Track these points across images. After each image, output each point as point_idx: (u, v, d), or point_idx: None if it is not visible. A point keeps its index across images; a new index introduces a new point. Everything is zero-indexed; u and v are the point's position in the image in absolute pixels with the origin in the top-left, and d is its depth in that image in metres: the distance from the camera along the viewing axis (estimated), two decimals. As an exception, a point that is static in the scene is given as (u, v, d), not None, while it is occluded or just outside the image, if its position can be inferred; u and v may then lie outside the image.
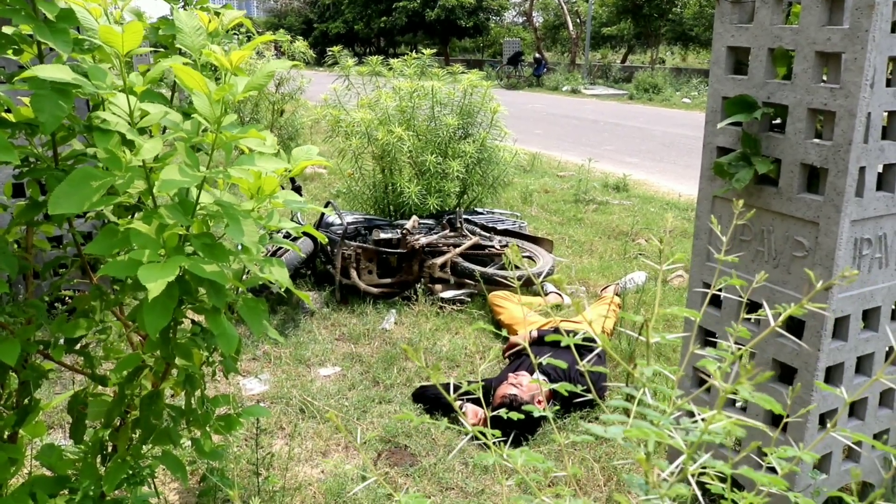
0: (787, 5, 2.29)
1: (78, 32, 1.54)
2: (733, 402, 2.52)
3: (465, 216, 5.29)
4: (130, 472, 1.85)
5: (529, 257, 5.20)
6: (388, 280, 4.83)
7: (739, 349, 1.08)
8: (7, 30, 1.57)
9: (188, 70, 1.42)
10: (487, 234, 5.22)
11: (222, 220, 1.53)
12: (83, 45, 1.56)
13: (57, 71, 1.39)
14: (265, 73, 1.56)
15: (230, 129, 1.50)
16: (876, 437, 2.46)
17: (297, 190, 5.31)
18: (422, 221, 5.18)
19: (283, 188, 1.75)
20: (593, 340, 1.13)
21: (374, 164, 5.94)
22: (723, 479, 0.99)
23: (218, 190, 1.61)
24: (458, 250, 4.84)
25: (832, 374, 2.27)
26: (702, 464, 0.91)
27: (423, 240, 4.75)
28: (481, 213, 5.59)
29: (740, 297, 2.38)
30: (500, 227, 5.37)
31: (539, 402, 3.17)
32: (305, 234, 1.87)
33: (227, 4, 1.79)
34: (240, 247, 1.60)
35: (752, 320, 2.36)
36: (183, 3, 1.90)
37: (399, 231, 4.92)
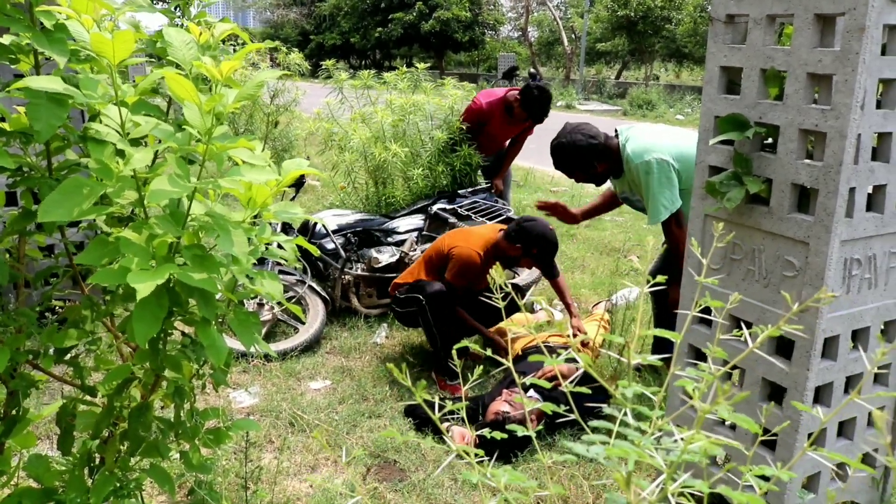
0: (780, 26, 2.32)
1: (75, 42, 1.55)
2: (723, 420, 2.53)
3: (445, 204, 5.26)
4: (118, 484, 1.83)
5: None
6: (386, 301, 4.81)
7: (727, 368, 1.08)
8: (5, 39, 1.57)
9: (179, 79, 1.42)
10: None
11: (214, 232, 1.54)
12: (79, 55, 1.56)
13: (49, 81, 1.39)
14: (255, 83, 1.56)
15: (222, 139, 1.50)
16: (864, 456, 2.47)
17: (299, 186, 5.22)
18: (410, 222, 5.16)
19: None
20: (576, 359, 1.13)
21: (366, 178, 5.95)
22: (701, 500, 0.99)
23: (210, 201, 1.61)
24: None
25: (821, 394, 2.28)
26: (682, 483, 0.92)
27: None
28: (463, 199, 5.46)
29: (728, 316, 2.39)
30: (476, 215, 5.19)
31: (531, 420, 3.17)
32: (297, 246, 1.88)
33: (225, 18, 1.79)
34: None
35: (742, 339, 2.37)
36: (181, 16, 1.91)
37: (397, 251, 4.89)
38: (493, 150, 5.73)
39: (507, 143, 5.77)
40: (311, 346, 4.23)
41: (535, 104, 5.19)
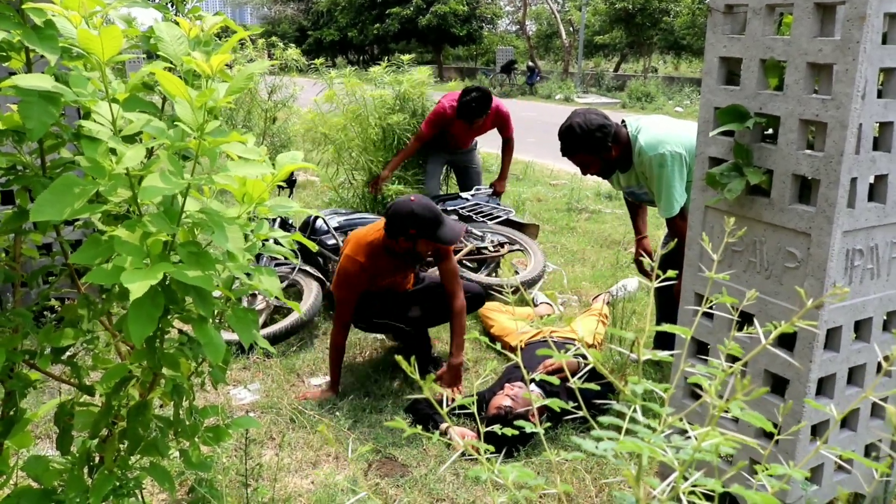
0: (779, 16, 2.30)
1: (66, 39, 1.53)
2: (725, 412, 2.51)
3: (446, 206, 5.27)
4: (118, 483, 1.82)
5: (521, 250, 5.18)
6: None
7: (738, 365, 1.07)
8: (-5, 37, 1.55)
9: (168, 75, 1.40)
10: (479, 234, 5.20)
11: (209, 228, 1.52)
12: (71, 53, 1.54)
13: (38, 79, 1.38)
14: (245, 74, 1.55)
15: (215, 135, 1.48)
16: (868, 447, 2.46)
17: (291, 184, 5.23)
18: None
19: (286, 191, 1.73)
20: (585, 354, 1.12)
21: (358, 176, 5.98)
22: (712, 498, 0.98)
23: (206, 197, 1.60)
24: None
25: (824, 385, 2.27)
26: (694, 482, 0.90)
27: None
28: (465, 201, 5.49)
29: (732, 308, 2.37)
30: (478, 216, 5.27)
31: (534, 414, 3.15)
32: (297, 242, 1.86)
33: (220, 12, 1.77)
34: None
35: (745, 331, 2.36)
36: (175, 11, 1.89)
37: None
38: (462, 147, 5.77)
39: (503, 141, 5.76)
40: (305, 325, 4.25)
41: (468, 104, 5.21)
